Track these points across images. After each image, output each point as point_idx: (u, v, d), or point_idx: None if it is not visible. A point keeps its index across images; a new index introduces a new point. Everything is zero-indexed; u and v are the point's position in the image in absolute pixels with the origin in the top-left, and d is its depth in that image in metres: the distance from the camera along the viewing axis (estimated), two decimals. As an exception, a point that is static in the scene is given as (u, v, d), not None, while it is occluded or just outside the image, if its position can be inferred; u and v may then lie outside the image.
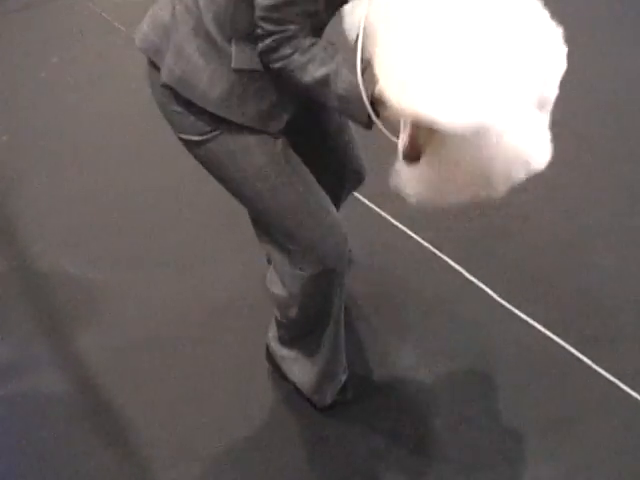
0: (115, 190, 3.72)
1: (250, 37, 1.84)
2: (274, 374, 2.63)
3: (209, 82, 1.91)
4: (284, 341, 2.47)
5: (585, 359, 2.60)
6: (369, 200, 3.35)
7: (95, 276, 3.18)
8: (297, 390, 2.52)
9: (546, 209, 3.32)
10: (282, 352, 2.51)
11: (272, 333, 2.53)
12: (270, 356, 2.60)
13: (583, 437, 2.36)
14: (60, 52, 5.18)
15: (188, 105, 1.98)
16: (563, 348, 2.65)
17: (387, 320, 2.86)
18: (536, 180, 1.80)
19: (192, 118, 2.00)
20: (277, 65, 1.81)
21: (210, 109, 1.95)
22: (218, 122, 1.97)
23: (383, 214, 3.31)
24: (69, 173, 3.91)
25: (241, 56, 1.88)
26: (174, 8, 1.98)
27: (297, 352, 2.44)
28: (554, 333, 2.70)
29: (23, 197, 3.75)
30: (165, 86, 2.02)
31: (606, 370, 2.54)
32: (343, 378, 2.47)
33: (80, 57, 5.12)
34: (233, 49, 1.88)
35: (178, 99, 2.00)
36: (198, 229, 3.41)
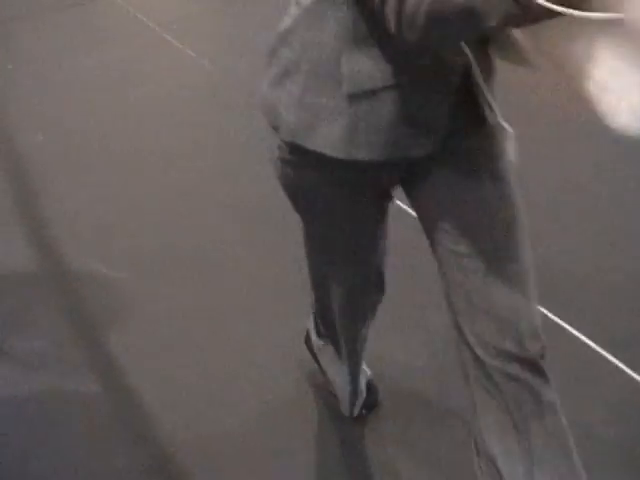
0: (146, 190, 3.74)
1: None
2: (305, 376, 2.62)
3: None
4: (318, 332, 2.44)
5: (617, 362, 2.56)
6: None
7: (125, 276, 3.18)
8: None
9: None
10: (318, 343, 2.48)
11: (311, 323, 2.50)
12: (308, 342, 2.56)
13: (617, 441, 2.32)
14: (94, 53, 5.21)
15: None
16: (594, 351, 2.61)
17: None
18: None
19: None
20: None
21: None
22: None
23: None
24: (100, 173, 3.93)
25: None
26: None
27: (329, 348, 2.40)
28: (585, 335, 2.66)
29: (54, 196, 3.78)
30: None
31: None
32: (363, 393, 2.44)
33: (114, 58, 5.15)
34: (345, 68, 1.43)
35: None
36: (227, 230, 3.40)
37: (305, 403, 2.57)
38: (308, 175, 1.61)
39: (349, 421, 2.46)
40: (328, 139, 1.46)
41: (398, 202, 3.14)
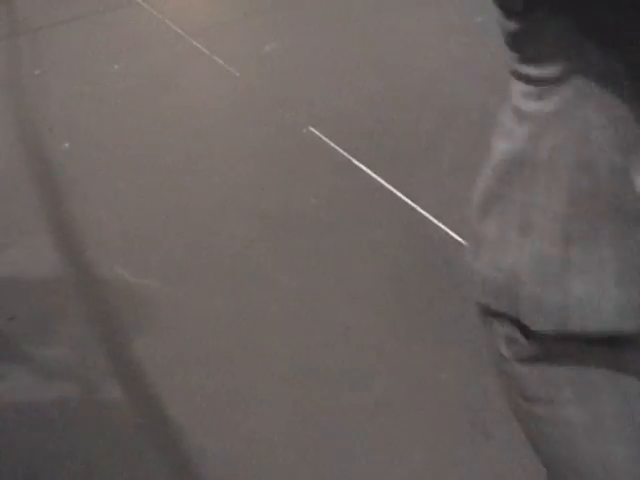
0: (171, 198, 3.74)
1: None
2: (329, 385, 2.61)
3: None
4: None
5: None
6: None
7: (150, 284, 3.19)
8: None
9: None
10: None
11: None
12: None
13: None
14: (121, 60, 5.24)
15: None
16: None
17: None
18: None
19: None
20: None
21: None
22: None
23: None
24: (125, 180, 3.94)
25: None
26: None
27: None
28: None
29: (80, 203, 3.79)
30: None
31: None
32: None
33: (142, 65, 5.17)
34: None
35: None
36: (256, 243, 3.39)
37: (330, 411, 2.56)
38: (575, 369, 1.05)
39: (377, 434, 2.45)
40: (621, 308, 0.96)
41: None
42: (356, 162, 3.83)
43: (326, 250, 3.27)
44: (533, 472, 2.30)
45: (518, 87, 0.98)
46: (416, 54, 5.10)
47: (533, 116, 0.95)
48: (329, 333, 2.85)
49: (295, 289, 3.08)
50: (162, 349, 2.87)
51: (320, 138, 4.08)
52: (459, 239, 3.22)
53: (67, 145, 4.30)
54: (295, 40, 5.46)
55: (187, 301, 3.09)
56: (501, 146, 1.01)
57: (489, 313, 1.07)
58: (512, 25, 0.96)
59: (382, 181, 3.65)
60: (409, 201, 3.49)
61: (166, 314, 3.04)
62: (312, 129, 4.17)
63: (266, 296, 3.07)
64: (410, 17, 5.74)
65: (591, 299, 0.95)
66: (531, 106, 0.95)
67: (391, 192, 3.58)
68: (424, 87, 4.63)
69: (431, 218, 3.36)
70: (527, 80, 0.96)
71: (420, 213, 3.40)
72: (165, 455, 2.49)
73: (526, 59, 0.95)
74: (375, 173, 3.71)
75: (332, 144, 4.01)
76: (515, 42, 0.97)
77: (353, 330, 2.86)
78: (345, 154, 3.91)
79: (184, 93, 4.65)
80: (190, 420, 2.59)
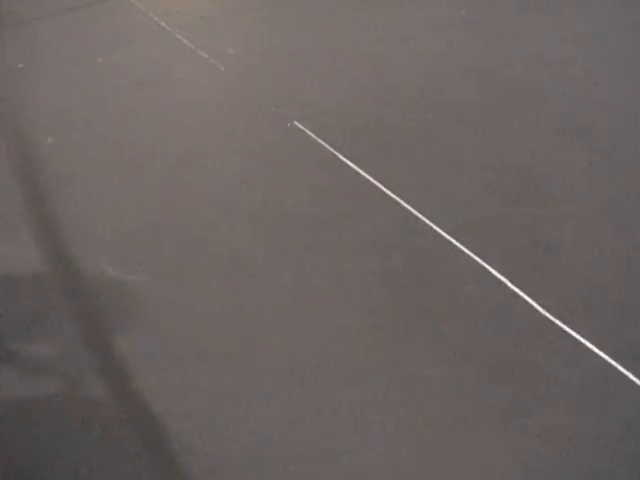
0: (157, 194, 3.72)
1: None
2: (321, 387, 2.61)
3: None
4: None
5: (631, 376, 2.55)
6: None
7: (137, 280, 3.17)
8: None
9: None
10: None
11: None
12: None
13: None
14: (106, 53, 5.21)
15: None
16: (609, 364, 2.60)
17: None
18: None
19: None
20: None
21: None
22: None
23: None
24: (111, 176, 3.91)
25: None
26: None
27: None
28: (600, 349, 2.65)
29: (65, 199, 3.76)
30: None
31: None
32: None
33: (126, 58, 5.15)
34: None
35: None
36: (244, 239, 3.38)
37: (321, 408, 2.56)
38: None
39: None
40: None
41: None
42: (342, 157, 3.83)
43: (314, 247, 3.27)
44: (522, 466, 2.32)
45: None
46: (402, 49, 5.09)
47: None
48: (319, 330, 2.85)
49: (283, 285, 3.08)
50: (148, 346, 2.86)
51: (305, 132, 4.08)
52: (444, 234, 3.22)
53: (51, 140, 4.27)
54: (281, 36, 5.45)
55: (174, 297, 3.08)
56: None
57: None
58: None
59: (368, 176, 3.65)
60: (395, 196, 3.49)
61: (153, 310, 3.02)
62: (297, 123, 4.16)
63: (254, 292, 3.06)
64: (395, 13, 5.74)
65: None
66: None
67: (377, 187, 3.58)
68: (411, 82, 4.63)
69: (416, 213, 3.36)
70: None
71: (406, 208, 3.40)
72: (149, 453, 2.48)
73: None
74: (361, 168, 3.71)
75: (318, 139, 4.00)
76: None
77: (343, 327, 2.86)
78: (331, 149, 3.90)
79: (169, 87, 4.63)
80: (175, 418, 2.58)
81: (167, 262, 3.27)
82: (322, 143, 3.96)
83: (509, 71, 4.68)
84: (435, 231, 3.26)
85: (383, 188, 3.56)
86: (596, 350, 2.64)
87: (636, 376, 2.54)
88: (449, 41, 5.16)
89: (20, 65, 5.21)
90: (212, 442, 2.48)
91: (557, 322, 2.77)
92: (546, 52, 4.93)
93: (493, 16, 5.57)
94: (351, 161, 3.78)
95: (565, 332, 2.73)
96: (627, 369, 2.57)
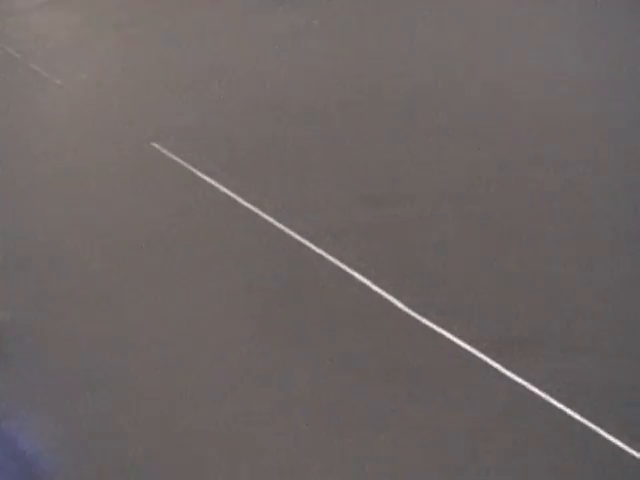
0: (14, 220, 3.62)
1: None
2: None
3: None
4: None
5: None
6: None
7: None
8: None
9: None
10: None
11: None
12: None
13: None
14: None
15: None
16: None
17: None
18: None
19: None
20: None
21: None
22: None
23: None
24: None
25: None
26: None
27: None
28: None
29: None
30: None
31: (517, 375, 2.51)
32: None
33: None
34: None
35: None
36: (99, 259, 3.29)
37: (192, 426, 2.50)
38: None
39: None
40: None
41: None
42: (200, 174, 3.78)
43: (175, 266, 3.21)
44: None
45: None
46: (259, 61, 5.11)
47: None
48: (180, 346, 2.79)
49: (144, 307, 3.01)
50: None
51: (162, 153, 4.02)
52: (302, 240, 3.21)
53: None
54: (138, 58, 5.40)
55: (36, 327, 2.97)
56: None
57: None
58: None
59: (226, 190, 3.61)
60: (254, 208, 3.46)
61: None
62: (154, 144, 4.10)
63: (108, 319, 2.97)
64: (251, 26, 5.77)
65: None
66: None
67: (235, 201, 3.54)
68: (265, 94, 4.64)
69: (276, 223, 3.34)
70: None
71: (265, 219, 3.38)
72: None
73: None
74: (218, 183, 3.67)
75: (175, 158, 3.95)
76: None
77: (209, 342, 2.80)
78: (189, 167, 3.85)
79: (22, 116, 4.51)
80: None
81: (29, 295, 3.17)
82: (179, 161, 3.91)
83: (360, 75, 4.75)
84: (296, 239, 3.23)
85: (242, 201, 3.53)
86: (461, 343, 2.65)
87: (501, 365, 2.56)
88: (312, 52, 5.20)
89: None
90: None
91: (423, 320, 2.77)
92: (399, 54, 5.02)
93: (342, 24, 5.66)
94: (208, 176, 3.74)
95: (431, 329, 2.73)
96: (493, 359, 2.58)
